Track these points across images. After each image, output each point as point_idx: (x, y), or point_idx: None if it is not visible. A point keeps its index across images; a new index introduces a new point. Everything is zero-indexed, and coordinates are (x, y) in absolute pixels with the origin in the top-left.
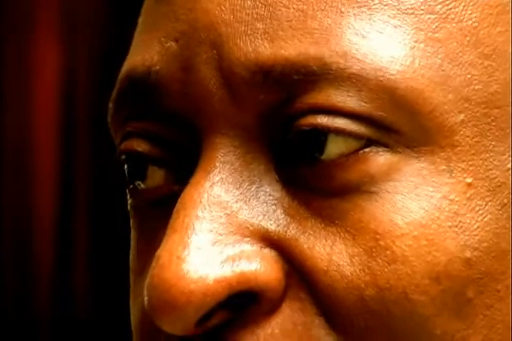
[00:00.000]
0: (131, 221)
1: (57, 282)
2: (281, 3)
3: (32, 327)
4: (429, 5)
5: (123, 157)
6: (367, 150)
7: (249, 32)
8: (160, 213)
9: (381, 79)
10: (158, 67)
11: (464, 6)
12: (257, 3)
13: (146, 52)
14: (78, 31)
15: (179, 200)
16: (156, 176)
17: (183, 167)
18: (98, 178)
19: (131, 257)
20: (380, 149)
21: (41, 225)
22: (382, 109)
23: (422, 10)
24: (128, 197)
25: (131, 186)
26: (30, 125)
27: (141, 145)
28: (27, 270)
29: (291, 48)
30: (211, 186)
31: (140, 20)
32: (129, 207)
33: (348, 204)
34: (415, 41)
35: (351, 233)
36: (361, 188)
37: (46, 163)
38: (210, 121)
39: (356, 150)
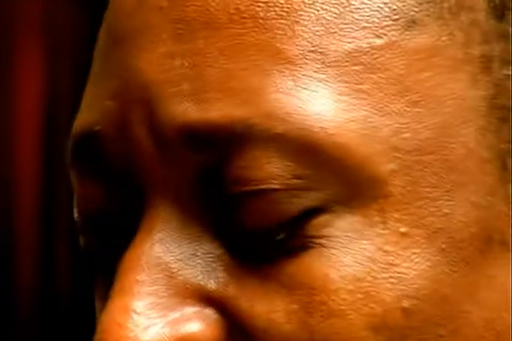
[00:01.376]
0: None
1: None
2: (207, 62)
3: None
4: (354, 56)
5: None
6: (300, 213)
7: (177, 93)
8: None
9: (305, 138)
10: (99, 127)
11: (390, 55)
12: (185, 62)
13: (89, 111)
14: (61, 44)
15: (121, 263)
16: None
17: (127, 220)
18: None
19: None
20: (312, 210)
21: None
22: (308, 168)
23: (346, 62)
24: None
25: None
26: (12, 137)
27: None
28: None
29: (216, 111)
30: (151, 247)
31: (90, 72)
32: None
33: (284, 261)
34: (339, 94)
35: (288, 289)
36: (296, 245)
37: (28, 176)
38: (147, 181)
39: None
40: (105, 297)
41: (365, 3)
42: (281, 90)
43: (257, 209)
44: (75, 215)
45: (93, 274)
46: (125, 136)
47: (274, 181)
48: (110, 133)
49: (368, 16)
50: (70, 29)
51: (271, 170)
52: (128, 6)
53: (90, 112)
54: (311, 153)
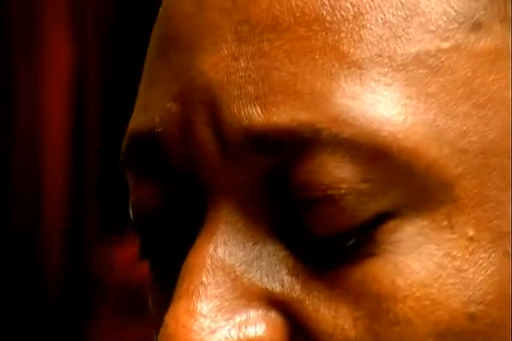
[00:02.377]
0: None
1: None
2: (273, 65)
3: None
4: (421, 60)
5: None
6: (368, 219)
7: (241, 96)
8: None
9: (373, 142)
10: (160, 129)
11: (456, 58)
12: (250, 65)
13: (148, 113)
14: (88, 29)
15: (184, 265)
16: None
17: (188, 222)
18: (107, 173)
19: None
20: (380, 215)
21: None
22: (376, 172)
23: (413, 65)
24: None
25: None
26: (40, 124)
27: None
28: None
29: (282, 114)
30: (215, 249)
31: (143, 75)
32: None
33: (351, 267)
34: (407, 98)
35: (355, 296)
36: (364, 251)
37: (57, 162)
38: (211, 183)
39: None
40: (161, 300)
41: (431, 7)
42: (348, 94)
43: (324, 215)
44: (131, 214)
45: (149, 272)
46: (188, 137)
47: (343, 186)
48: (172, 134)
49: (434, 20)
50: (97, 10)
51: (339, 174)
52: (188, 8)
53: (149, 114)
54: (379, 157)
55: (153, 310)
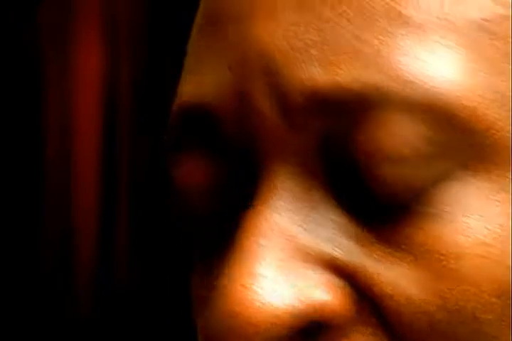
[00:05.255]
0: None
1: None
2: (334, 28)
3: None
4: (480, 24)
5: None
6: (430, 180)
7: (303, 59)
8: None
9: (433, 99)
10: (211, 98)
11: None
12: (309, 28)
13: (199, 81)
14: (120, 32)
15: (240, 228)
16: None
17: (239, 192)
18: (139, 173)
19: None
20: (442, 177)
21: (84, 222)
22: (439, 132)
23: (472, 29)
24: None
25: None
26: (72, 128)
27: (196, 179)
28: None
29: (344, 74)
30: (272, 213)
31: (192, 39)
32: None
33: (410, 228)
34: (466, 60)
35: (417, 256)
36: (423, 211)
37: (88, 172)
38: (267, 148)
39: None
40: (206, 273)
41: None
42: (409, 54)
43: (386, 177)
44: (173, 190)
45: (190, 250)
46: (244, 105)
47: (406, 148)
48: (226, 103)
49: None
50: (130, 14)
51: (402, 136)
52: None
53: (202, 86)
54: (439, 114)
55: (199, 284)
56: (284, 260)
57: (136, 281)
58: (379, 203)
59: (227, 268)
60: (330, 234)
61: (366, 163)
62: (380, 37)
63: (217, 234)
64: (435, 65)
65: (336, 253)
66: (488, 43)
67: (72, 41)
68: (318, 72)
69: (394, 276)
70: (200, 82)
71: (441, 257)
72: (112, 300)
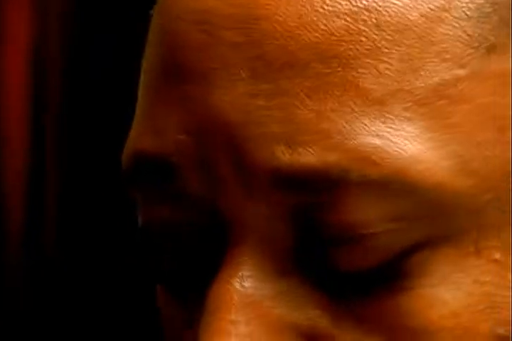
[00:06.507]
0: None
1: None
2: (294, 104)
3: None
4: (440, 90)
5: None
6: (398, 254)
7: (265, 135)
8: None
9: (402, 181)
10: (174, 159)
11: (474, 85)
12: (270, 103)
13: (159, 138)
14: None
15: (210, 299)
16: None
17: (207, 253)
18: (70, 148)
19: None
20: (414, 250)
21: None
22: (406, 210)
23: (433, 97)
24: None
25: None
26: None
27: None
28: None
29: (309, 155)
30: (241, 283)
31: (143, 90)
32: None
33: (383, 302)
34: (430, 131)
35: (388, 330)
36: (395, 286)
37: (15, 139)
38: (233, 216)
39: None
40: (181, 318)
41: (446, 34)
42: (373, 133)
43: (354, 254)
44: (139, 223)
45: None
46: (207, 173)
47: (373, 226)
48: (187, 167)
49: (449, 47)
50: None
51: (369, 214)
52: (196, 38)
53: (160, 140)
54: (408, 195)
55: (169, 325)
56: (256, 335)
57: (64, 249)
58: (346, 276)
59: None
60: (299, 304)
61: (333, 238)
62: (343, 115)
63: (184, 278)
64: (401, 143)
65: (305, 323)
66: (450, 109)
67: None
68: (281, 150)
69: None
70: (159, 136)
71: (413, 333)
72: (40, 267)
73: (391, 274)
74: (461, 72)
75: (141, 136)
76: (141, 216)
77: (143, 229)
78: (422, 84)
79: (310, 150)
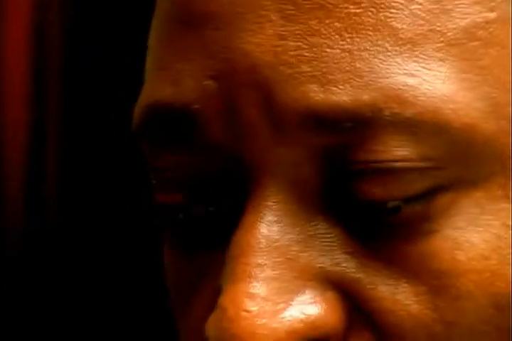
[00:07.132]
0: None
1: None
2: (326, 43)
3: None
4: (471, 32)
5: (159, 205)
6: (425, 191)
7: (296, 75)
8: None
9: (435, 120)
10: (197, 106)
11: (504, 29)
12: (301, 44)
13: (179, 86)
14: None
15: (234, 245)
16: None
17: (227, 202)
18: (70, 121)
19: (171, 278)
20: (439, 191)
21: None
22: (437, 149)
23: (464, 39)
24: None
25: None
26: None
27: (179, 197)
28: None
29: (342, 93)
30: (267, 229)
31: (158, 41)
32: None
33: (409, 245)
34: (462, 72)
35: (414, 272)
36: (422, 229)
37: (17, 117)
38: (257, 160)
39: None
40: (191, 278)
41: None
42: (406, 72)
43: (381, 186)
44: (152, 178)
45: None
46: (233, 118)
47: (402, 162)
48: (210, 114)
49: None
50: None
51: (401, 153)
52: None
53: (181, 88)
54: (440, 134)
55: (178, 287)
56: (283, 279)
57: (65, 212)
58: (374, 218)
59: (227, 287)
60: (326, 248)
61: (359, 171)
62: (376, 54)
63: (198, 234)
64: (434, 82)
65: (333, 268)
66: (482, 51)
67: None
68: (313, 90)
69: (392, 291)
70: (181, 86)
71: (440, 274)
72: (41, 233)
73: (419, 216)
74: (491, 15)
75: (157, 87)
76: (153, 171)
77: (157, 183)
78: (454, 26)
79: (342, 88)
